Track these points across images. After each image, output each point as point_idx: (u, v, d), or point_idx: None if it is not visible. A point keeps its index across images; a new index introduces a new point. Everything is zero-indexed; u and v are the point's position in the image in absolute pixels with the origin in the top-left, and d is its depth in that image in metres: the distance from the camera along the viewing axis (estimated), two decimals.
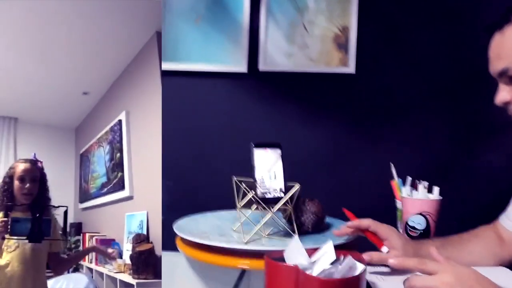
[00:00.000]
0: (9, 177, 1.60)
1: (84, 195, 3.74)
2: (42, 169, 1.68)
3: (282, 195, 1.04)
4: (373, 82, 1.76)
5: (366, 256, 0.93)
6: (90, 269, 2.88)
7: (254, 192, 1.03)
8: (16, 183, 1.58)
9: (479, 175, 1.72)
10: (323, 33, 1.72)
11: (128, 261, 2.22)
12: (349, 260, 0.73)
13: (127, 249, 2.44)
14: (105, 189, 3.07)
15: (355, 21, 1.71)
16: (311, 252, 0.79)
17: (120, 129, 2.80)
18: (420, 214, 1.19)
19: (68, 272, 3.20)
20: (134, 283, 2.01)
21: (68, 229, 3.65)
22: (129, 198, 2.64)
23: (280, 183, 1.06)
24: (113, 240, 2.82)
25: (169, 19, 1.76)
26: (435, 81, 1.76)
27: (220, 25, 1.73)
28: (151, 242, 2.17)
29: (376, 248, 1.03)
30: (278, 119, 1.78)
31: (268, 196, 1.04)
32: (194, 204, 1.45)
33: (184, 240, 1.09)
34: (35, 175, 1.62)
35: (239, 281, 1.08)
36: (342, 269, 0.72)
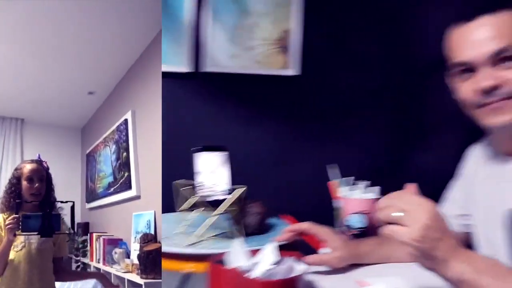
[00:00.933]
0: (17, 178, 1.60)
1: (91, 195, 3.74)
2: (47, 169, 1.69)
3: (227, 197, 1.04)
4: (316, 84, 1.79)
5: (307, 258, 0.97)
6: (98, 269, 2.87)
7: (197, 195, 1.02)
8: (25, 183, 1.58)
9: (416, 174, 1.78)
10: (267, 36, 1.73)
11: (136, 261, 2.21)
12: (288, 260, 0.75)
13: (134, 248, 2.44)
14: (112, 189, 3.07)
15: (298, 24, 1.72)
16: (255, 253, 0.79)
17: (126, 129, 2.79)
18: (360, 213, 1.20)
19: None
20: (142, 283, 2.01)
21: (75, 227, 3.67)
22: (136, 197, 2.63)
23: (225, 185, 1.06)
24: (121, 240, 2.82)
25: None
26: (375, 82, 1.81)
27: (163, 25, 1.72)
28: (159, 242, 2.16)
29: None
30: (222, 120, 1.79)
31: (213, 198, 1.03)
32: None
33: None
34: (42, 175, 1.63)
35: (182, 285, 1.08)
36: (282, 270, 0.73)
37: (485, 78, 0.89)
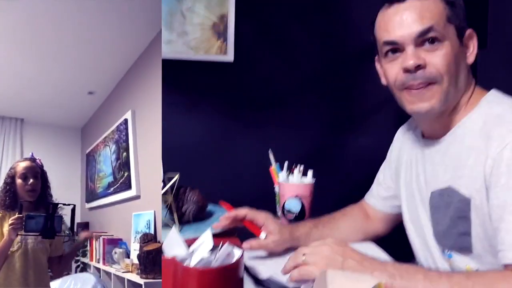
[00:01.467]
0: (11, 177, 1.61)
1: (90, 195, 3.74)
2: (41, 166, 1.69)
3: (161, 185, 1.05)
4: (251, 70, 1.79)
5: (245, 244, 0.99)
6: (98, 269, 2.87)
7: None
8: (19, 181, 1.59)
9: (351, 157, 1.85)
10: (202, 21, 1.71)
11: (136, 261, 2.21)
12: (226, 247, 0.73)
13: (134, 248, 2.44)
14: (112, 189, 3.07)
15: (232, 10, 1.71)
16: (191, 242, 0.77)
17: (126, 128, 2.79)
18: (295, 197, 1.25)
19: (76, 272, 3.20)
20: (142, 283, 2.01)
21: (75, 228, 3.66)
22: (136, 197, 2.63)
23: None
24: (120, 239, 2.82)
25: None
26: (309, 69, 1.84)
27: None
28: (159, 242, 2.16)
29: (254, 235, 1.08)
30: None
31: None
32: None
33: None
34: (36, 172, 1.63)
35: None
36: (220, 257, 0.71)
37: (410, 57, 0.92)
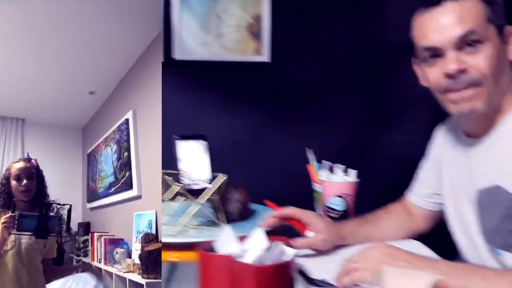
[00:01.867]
0: (6, 178, 1.61)
1: (92, 195, 3.74)
2: (37, 166, 1.68)
3: (209, 185, 1.05)
4: (287, 69, 1.79)
5: (293, 242, 0.97)
6: (99, 269, 2.87)
7: (180, 184, 1.03)
8: (13, 182, 1.58)
9: (391, 155, 1.83)
10: (237, 22, 1.71)
11: (137, 261, 2.21)
12: (279, 246, 0.74)
13: (136, 248, 2.43)
14: (113, 189, 3.07)
15: (268, 10, 1.70)
16: (240, 239, 0.78)
17: (127, 128, 2.79)
18: (339, 196, 1.24)
19: (77, 272, 3.20)
20: (144, 283, 2.00)
21: (76, 229, 3.67)
22: (138, 197, 2.63)
23: (206, 174, 1.07)
24: (122, 239, 2.82)
25: None
26: (347, 67, 1.83)
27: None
28: (160, 242, 2.16)
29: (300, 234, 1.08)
30: (196, 108, 1.79)
31: (195, 187, 1.04)
32: None
33: None
34: (31, 172, 1.62)
35: (170, 274, 1.08)
36: (273, 255, 0.73)
37: (451, 62, 0.91)
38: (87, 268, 1.90)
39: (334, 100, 1.83)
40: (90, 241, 3.20)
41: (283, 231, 1.08)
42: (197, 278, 0.76)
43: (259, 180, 1.71)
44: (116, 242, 2.79)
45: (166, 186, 1.07)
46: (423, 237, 1.22)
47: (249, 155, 1.80)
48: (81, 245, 3.32)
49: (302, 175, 1.38)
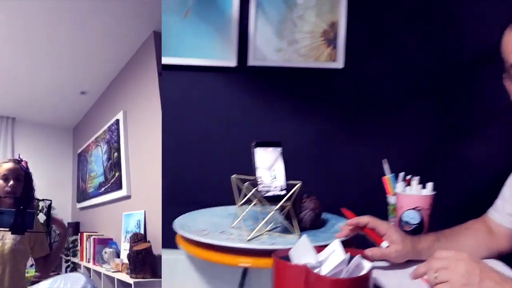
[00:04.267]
0: None
1: (81, 195, 3.74)
2: (27, 168, 1.67)
3: (284, 193, 1.05)
4: (362, 76, 1.76)
5: (367, 252, 0.95)
6: (88, 269, 2.88)
7: (256, 190, 1.03)
8: (0, 182, 1.57)
9: (468, 169, 1.73)
10: (312, 29, 1.73)
11: (126, 261, 2.22)
12: (356, 258, 0.73)
13: (124, 248, 2.45)
14: (103, 189, 3.07)
15: (344, 17, 1.72)
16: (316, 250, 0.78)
17: (118, 129, 2.80)
18: (414, 209, 1.21)
19: (66, 272, 3.20)
20: (132, 283, 2.02)
21: (67, 227, 3.66)
22: (127, 197, 2.64)
23: (281, 181, 1.07)
24: (111, 239, 2.82)
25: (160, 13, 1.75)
26: (423, 75, 1.77)
27: (209, 19, 1.72)
28: (149, 241, 2.18)
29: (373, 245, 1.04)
30: (268, 114, 1.77)
31: (271, 194, 1.04)
32: (187, 200, 1.46)
33: (184, 238, 1.08)
34: (19, 174, 1.61)
35: (243, 279, 1.08)
36: (350, 268, 0.71)
37: None
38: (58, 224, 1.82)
39: (411, 110, 1.76)
40: (79, 241, 3.20)
41: (355, 242, 1.05)
42: (271, 285, 0.76)
43: (331, 189, 1.65)
44: (105, 242, 2.80)
45: (239, 192, 1.08)
46: (506, 258, 1.15)
47: (321, 164, 1.76)
48: (70, 245, 3.32)
49: (375, 186, 1.34)
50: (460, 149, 1.76)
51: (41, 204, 1.60)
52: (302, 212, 1.13)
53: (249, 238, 1.02)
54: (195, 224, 1.16)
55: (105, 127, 3.08)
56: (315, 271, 0.71)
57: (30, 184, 1.66)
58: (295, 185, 1.06)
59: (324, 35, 1.74)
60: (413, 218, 1.22)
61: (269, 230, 1.10)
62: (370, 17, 1.76)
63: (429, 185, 1.25)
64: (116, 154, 2.80)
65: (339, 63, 1.73)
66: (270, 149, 1.09)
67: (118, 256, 2.54)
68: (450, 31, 1.76)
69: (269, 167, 1.07)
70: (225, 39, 1.72)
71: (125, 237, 2.49)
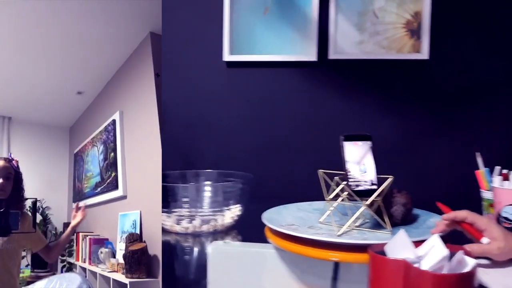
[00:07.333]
0: None
1: (78, 195, 3.74)
2: (17, 168, 1.67)
3: (374, 187, 1.02)
4: (449, 67, 1.70)
5: (466, 246, 0.89)
6: (84, 269, 2.88)
7: (346, 184, 1.00)
8: None
9: None
10: (394, 20, 1.70)
11: (121, 261, 2.22)
12: (458, 254, 0.70)
13: (120, 248, 2.45)
14: (99, 189, 3.07)
15: (428, 6, 1.67)
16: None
17: (114, 129, 2.80)
18: None
19: (62, 272, 3.20)
20: (127, 282, 2.02)
21: (62, 228, 3.66)
22: (123, 197, 2.65)
23: (371, 175, 1.03)
24: (107, 239, 2.83)
25: (238, 11, 1.78)
26: None
27: (288, 17, 1.75)
28: (144, 242, 2.18)
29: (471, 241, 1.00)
30: (352, 108, 1.74)
31: (362, 188, 1.01)
32: (267, 195, 1.41)
33: (272, 231, 1.05)
34: (9, 173, 1.61)
35: (336, 273, 1.05)
36: (451, 264, 0.69)
37: None
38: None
39: (505, 100, 1.66)
40: (75, 240, 3.20)
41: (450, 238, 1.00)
42: (368, 280, 0.74)
43: (420, 184, 1.59)
44: (101, 242, 2.80)
45: (328, 186, 1.07)
46: None
47: (409, 158, 1.71)
48: (67, 245, 3.32)
49: (467, 180, 1.30)
50: None
51: (37, 203, 1.59)
52: (393, 207, 1.09)
53: (340, 232, 0.99)
54: (283, 218, 1.12)
55: (102, 127, 3.08)
56: (415, 265, 0.69)
57: (20, 183, 1.67)
58: (384, 180, 1.03)
59: (407, 26, 1.70)
60: None
61: (359, 225, 1.06)
62: (457, 6, 1.68)
63: None
64: (112, 154, 2.81)
65: (424, 54, 1.68)
66: (360, 143, 1.05)
67: (113, 256, 2.55)
68: None
69: (359, 161, 1.03)
70: (304, 34, 1.73)
71: (121, 237, 2.49)
